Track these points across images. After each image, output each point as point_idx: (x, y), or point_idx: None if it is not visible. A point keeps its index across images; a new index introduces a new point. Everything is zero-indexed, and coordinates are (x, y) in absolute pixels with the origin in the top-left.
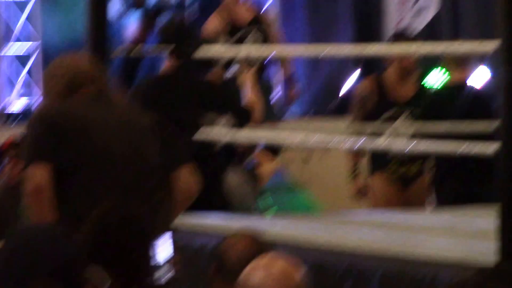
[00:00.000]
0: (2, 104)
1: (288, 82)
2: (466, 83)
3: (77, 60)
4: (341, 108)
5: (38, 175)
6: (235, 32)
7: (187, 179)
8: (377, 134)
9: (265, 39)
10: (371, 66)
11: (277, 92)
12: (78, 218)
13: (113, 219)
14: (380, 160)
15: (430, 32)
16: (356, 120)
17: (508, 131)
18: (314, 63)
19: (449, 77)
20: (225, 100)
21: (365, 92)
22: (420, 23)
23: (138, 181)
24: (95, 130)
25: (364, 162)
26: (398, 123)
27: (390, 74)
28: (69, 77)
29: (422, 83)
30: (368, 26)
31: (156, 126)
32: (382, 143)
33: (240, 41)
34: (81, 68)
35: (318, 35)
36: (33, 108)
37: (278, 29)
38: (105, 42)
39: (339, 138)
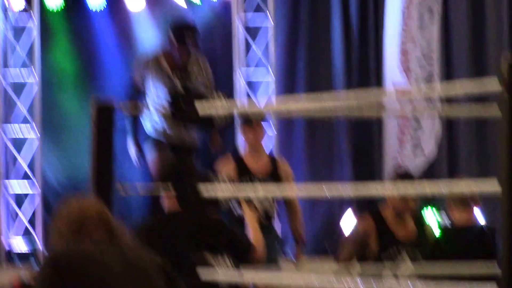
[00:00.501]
0: (5, 243)
1: (296, 240)
2: (471, 224)
3: (85, 204)
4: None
5: None
6: (249, 177)
7: None
8: (378, 275)
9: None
10: (363, 203)
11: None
12: None
13: None
14: None
15: (429, 171)
16: (350, 259)
17: (507, 276)
18: (313, 201)
19: (453, 217)
20: (228, 237)
21: (365, 230)
22: (419, 162)
23: None
24: (107, 274)
25: None
26: (400, 263)
27: (388, 213)
28: (78, 222)
29: (422, 223)
30: (366, 163)
31: (163, 266)
32: (386, 285)
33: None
34: (88, 212)
35: (316, 171)
36: (36, 247)
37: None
38: (110, 182)
39: (338, 279)
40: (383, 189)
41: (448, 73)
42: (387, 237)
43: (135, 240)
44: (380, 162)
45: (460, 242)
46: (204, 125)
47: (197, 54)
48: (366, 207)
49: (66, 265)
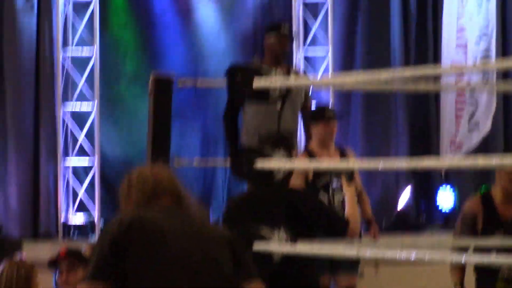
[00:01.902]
0: (63, 217)
1: (369, 222)
2: None
3: (156, 172)
4: (396, 224)
5: None
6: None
7: None
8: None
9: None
10: (421, 182)
11: None
12: None
13: None
14: (487, 280)
15: (485, 148)
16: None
17: None
18: (369, 177)
19: None
20: (321, 211)
21: (473, 211)
22: (474, 139)
23: None
24: (171, 239)
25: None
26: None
27: (497, 193)
28: (148, 188)
29: None
30: (423, 140)
31: (230, 239)
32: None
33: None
34: (160, 179)
35: (374, 148)
36: (93, 221)
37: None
38: (167, 155)
39: (442, 253)
40: (440, 163)
41: (504, 50)
42: (493, 218)
43: (202, 210)
44: (437, 137)
45: None
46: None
47: (298, 70)
48: (424, 189)
49: (128, 226)
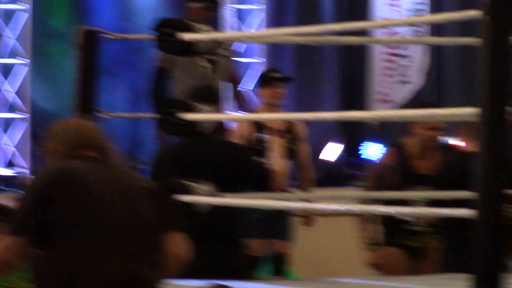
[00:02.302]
0: None
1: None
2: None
3: (79, 124)
4: (326, 177)
5: (10, 250)
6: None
7: (177, 245)
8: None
9: (293, 150)
10: (349, 136)
11: None
12: (75, 277)
13: (121, 278)
14: (393, 232)
15: (414, 102)
16: (371, 190)
17: (483, 198)
18: None
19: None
20: (246, 164)
21: (388, 164)
22: (406, 93)
23: (136, 241)
24: (95, 190)
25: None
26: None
27: (412, 146)
28: (71, 140)
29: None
30: (354, 94)
31: (154, 190)
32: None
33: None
34: (84, 131)
35: (304, 102)
36: (23, 172)
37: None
38: (94, 107)
39: (352, 205)
40: (368, 115)
41: (438, 5)
42: (409, 172)
43: (126, 162)
44: (367, 90)
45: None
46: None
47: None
48: (355, 144)
49: (54, 178)
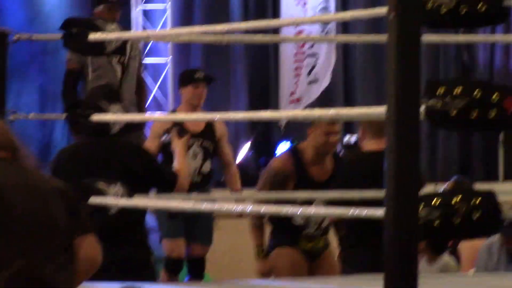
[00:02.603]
0: None
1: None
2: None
3: None
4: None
5: None
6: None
7: (88, 248)
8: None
9: (214, 149)
10: (260, 140)
11: None
12: None
13: (22, 279)
14: (285, 234)
15: (324, 101)
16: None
17: (392, 200)
18: None
19: (364, 146)
20: (150, 163)
21: (283, 170)
22: (314, 93)
23: (42, 243)
24: (5, 191)
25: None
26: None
27: (307, 151)
28: None
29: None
30: (263, 94)
31: (65, 191)
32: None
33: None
34: None
35: (213, 102)
36: None
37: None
38: (2, 107)
39: (242, 205)
40: (276, 115)
41: (343, 2)
42: (304, 178)
43: (37, 164)
44: (276, 91)
45: (367, 166)
46: None
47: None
48: (264, 144)
49: None
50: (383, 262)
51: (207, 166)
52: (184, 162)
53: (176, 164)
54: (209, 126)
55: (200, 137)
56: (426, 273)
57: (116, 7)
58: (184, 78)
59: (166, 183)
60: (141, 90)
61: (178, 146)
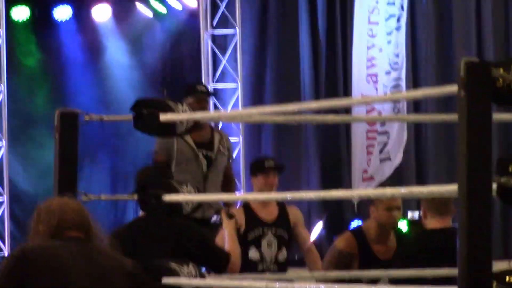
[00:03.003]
0: None
1: None
2: (448, 228)
3: (62, 203)
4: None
5: None
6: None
7: None
8: None
9: (289, 237)
10: (334, 216)
11: None
12: None
13: None
14: None
15: (396, 179)
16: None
17: (465, 277)
18: None
19: (427, 225)
20: (203, 243)
21: (349, 250)
22: (387, 171)
23: None
24: (70, 270)
25: None
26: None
27: (370, 229)
28: (54, 219)
29: (401, 237)
30: (335, 172)
31: (133, 272)
32: None
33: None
34: (66, 211)
35: (285, 181)
36: (3, 255)
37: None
38: (74, 189)
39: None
40: (349, 194)
41: (415, 80)
42: (368, 257)
43: (109, 243)
44: (348, 169)
45: (432, 244)
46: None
47: (221, 131)
48: (337, 223)
49: (26, 256)
50: None
51: (283, 255)
52: (235, 243)
53: (227, 246)
54: (283, 214)
55: (273, 226)
56: None
57: (205, 97)
58: (254, 167)
59: (218, 262)
60: (228, 187)
61: (227, 227)
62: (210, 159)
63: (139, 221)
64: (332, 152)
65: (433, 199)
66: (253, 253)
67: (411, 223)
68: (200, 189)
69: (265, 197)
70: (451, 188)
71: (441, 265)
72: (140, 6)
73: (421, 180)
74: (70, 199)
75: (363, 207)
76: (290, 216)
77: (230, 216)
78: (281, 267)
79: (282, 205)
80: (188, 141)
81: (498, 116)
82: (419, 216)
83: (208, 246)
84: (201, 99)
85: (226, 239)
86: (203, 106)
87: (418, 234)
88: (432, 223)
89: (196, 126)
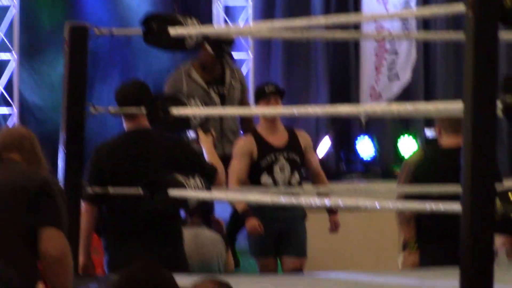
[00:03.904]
0: None
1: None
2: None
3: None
4: None
5: None
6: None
7: (48, 242)
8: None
9: (301, 161)
10: (343, 131)
11: None
12: None
13: None
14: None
15: (405, 98)
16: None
17: (468, 195)
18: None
19: (442, 142)
20: (194, 158)
21: (247, 146)
22: (395, 89)
23: None
24: None
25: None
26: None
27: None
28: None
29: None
30: (343, 89)
31: (27, 188)
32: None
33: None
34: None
35: (294, 98)
36: None
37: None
38: (83, 102)
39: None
40: (355, 110)
41: (425, 1)
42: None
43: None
44: (357, 87)
45: (445, 162)
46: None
47: (233, 65)
48: (344, 139)
49: None
50: (457, 257)
51: (295, 179)
52: (216, 157)
53: (209, 160)
54: (293, 139)
55: (285, 150)
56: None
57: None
58: (256, 94)
59: (208, 174)
60: (245, 121)
61: (205, 143)
62: (223, 95)
63: (130, 133)
64: (341, 70)
65: (447, 117)
66: (265, 179)
67: (428, 141)
68: (216, 128)
69: (274, 112)
70: (457, 106)
71: (455, 183)
72: None
73: (429, 99)
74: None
75: (371, 123)
76: (301, 140)
77: (206, 131)
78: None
79: (291, 130)
80: (198, 80)
81: (505, 36)
82: (435, 135)
83: (200, 159)
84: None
85: (206, 154)
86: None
87: (434, 152)
88: (447, 141)
89: (205, 66)
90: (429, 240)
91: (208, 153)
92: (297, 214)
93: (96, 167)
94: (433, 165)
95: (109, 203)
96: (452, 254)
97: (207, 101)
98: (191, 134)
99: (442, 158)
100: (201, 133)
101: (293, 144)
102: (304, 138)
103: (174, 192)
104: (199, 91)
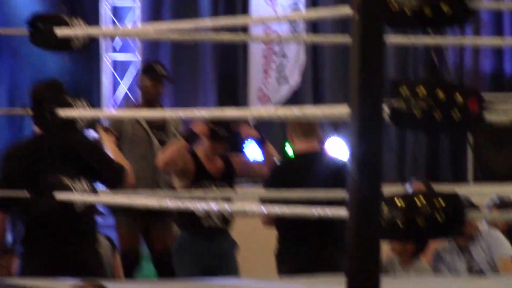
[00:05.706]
0: None
1: None
2: (316, 152)
3: None
4: None
5: None
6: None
7: None
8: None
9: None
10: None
11: None
12: None
13: None
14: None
15: (294, 101)
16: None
17: (354, 200)
18: None
19: (294, 147)
20: (100, 155)
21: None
22: (284, 92)
23: None
24: None
25: None
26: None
27: (200, 151)
28: None
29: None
30: (232, 92)
31: None
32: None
33: None
34: None
35: (181, 99)
36: None
37: None
38: None
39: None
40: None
41: (314, 4)
42: (200, 171)
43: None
44: (245, 89)
45: (298, 167)
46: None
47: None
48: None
49: None
50: (320, 261)
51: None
52: (121, 156)
53: (116, 158)
54: (228, 166)
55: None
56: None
57: (162, 80)
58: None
59: (116, 173)
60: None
61: (108, 141)
62: (163, 141)
63: (35, 138)
64: (230, 73)
65: (298, 122)
66: None
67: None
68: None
69: (155, 114)
70: (343, 110)
71: (307, 187)
72: None
73: (318, 102)
74: None
75: (259, 127)
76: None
77: (106, 130)
78: (227, 224)
79: (226, 158)
80: (141, 122)
81: (393, 40)
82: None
83: (105, 158)
84: (158, 82)
85: (111, 153)
86: (159, 91)
87: (288, 158)
88: (299, 146)
89: (149, 104)
90: (289, 244)
91: (112, 152)
92: (228, 245)
93: (4, 171)
94: (287, 171)
95: (16, 207)
96: (313, 257)
97: (147, 144)
98: (92, 134)
99: (295, 164)
100: (102, 133)
101: (229, 171)
102: (176, 123)
103: (60, 195)
104: (141, 133)
